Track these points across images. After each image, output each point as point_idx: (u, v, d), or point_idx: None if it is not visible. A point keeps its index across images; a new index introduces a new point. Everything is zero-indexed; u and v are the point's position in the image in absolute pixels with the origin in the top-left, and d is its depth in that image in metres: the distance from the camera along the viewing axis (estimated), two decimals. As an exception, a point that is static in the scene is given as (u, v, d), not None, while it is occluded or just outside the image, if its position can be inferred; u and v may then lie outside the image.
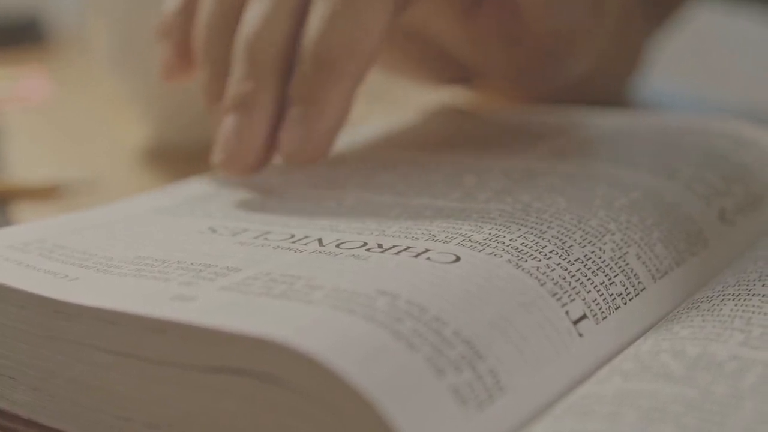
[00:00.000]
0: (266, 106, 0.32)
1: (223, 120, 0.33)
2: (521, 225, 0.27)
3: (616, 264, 0.27)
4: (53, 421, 0.25)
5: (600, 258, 0.27)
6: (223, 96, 0.34)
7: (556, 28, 0.37)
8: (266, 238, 0.28)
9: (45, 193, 0.46)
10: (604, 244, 0.27)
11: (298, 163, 0.32)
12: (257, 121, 0.32)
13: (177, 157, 0.53)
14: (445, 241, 0.26)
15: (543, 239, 0.27)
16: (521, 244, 0.26)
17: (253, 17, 0.32)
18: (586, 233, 0.27)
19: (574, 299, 0.25)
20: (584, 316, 0.25)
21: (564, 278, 0.25)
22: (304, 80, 0.31)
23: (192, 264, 0.26)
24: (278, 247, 0.27)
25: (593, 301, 0.25)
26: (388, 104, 0.33)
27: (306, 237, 0.28)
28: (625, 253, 0.27)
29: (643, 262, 0.27)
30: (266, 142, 0.32)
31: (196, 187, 0.35)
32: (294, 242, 0.27)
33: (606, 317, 0.25)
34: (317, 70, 0.31)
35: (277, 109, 0.32)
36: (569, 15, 0.37)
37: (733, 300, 0.25)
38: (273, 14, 0.32)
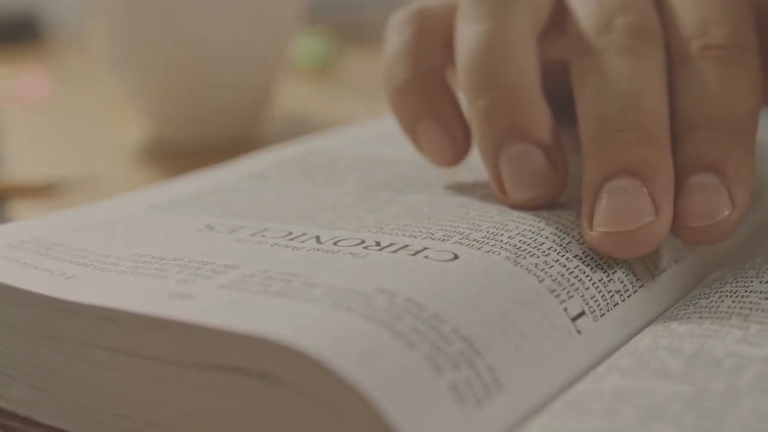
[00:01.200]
0: (672, 174, 0.27)
1: (601, 185, 0.27)
2: (519, 222, 0.27)
3: (614, 261, 0.27)
4: (52, 419, 0.25)
5: (598, 255, 0.27)
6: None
7: None
8: (264, 236, 0.28)
9: (43, 192, 0.46)
10: (603, 241, 0.27)
11: (708, 240, 0.27)
12: (667, 191, 0.27)
13: (175, 156, 0.53)
14: (443, 239, 0.26)
15: (541, 236, 0.27)
16: (519, 241, 0.26)
17: (631, 74, 0.29)
18: (585, 230, 0.27)
19: (572, 296, 0.25)
20: (583, 313, 0.25)
21: (562, 275, 0.25)
22: (710, 146, 0.28)
23: (189, 261, 0.26)
24: (276, 244, 0.27)
25: (592, 298, 0.25)
26: (386, 103, 0.33)
27: (303, 234, 0.28)
28: (623, 250, 0.27)
29: (642, 259, 0.27)
30: (672, 216, 0.27)
31: (193, 184, 0.35)
32: (291, 240, 0.27)
33: (604, 314, 0.25)
34: (725, 136, 0.28)
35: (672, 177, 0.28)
36: None
37: (731, 297, 0.25)
38: (653, 74, 0.29)
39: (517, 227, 0.27)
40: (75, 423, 0.25)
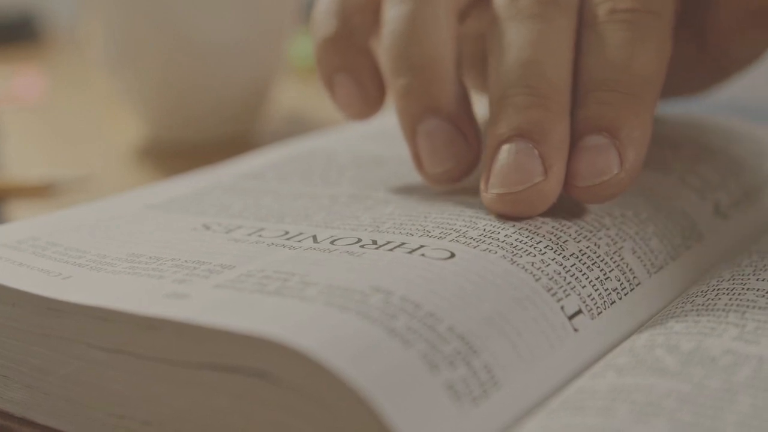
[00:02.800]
0: (567, 135, 0.28)
1: (497, 148, 0.28)
2: (516, 221, 0.27)
3: (611, 259, 0.27)
4: (47, 419, 0.25)
5: (595, 253, 0.27)
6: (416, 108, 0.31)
7: (742, 56, 0.36)
8: (260, 235, 0.28)
9: (39, 192, 0.46)
10: (599, 239, 0.27)
11: (596, 199, 0.28)
12: (564, 151, 0.28)
13: (171, 155, 0.53)
14: (440, 238, 0.26)
15: (538, 235, 0.27)
16: (516, 239, 0.26)
17: (533, 40, 0.30)
18: (581, 228, 0.27)
19: (569, 294, 0.25)
20: (579, 311, 0.25)
21: (559, 273, 0.25)
22: (605, 108, 0.28)
23: (186, 261, 0.26)
24: (272, 244, 0.27)
25: (588, 296, 0.25)
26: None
27: (300, 234, 0.28)
28: (620, 248, 0.27)
29: (639, 257, 0.27)
30: (563, 176, 0.28)
31: (189, 184, 0.35)
32: (288, 239, 0.27)
33: (601, 312, 0.25)
34: (622, 99, 0.29)
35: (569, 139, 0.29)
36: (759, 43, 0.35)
37: (728, 294, 0.25)
38: (555, 38, 0.30)
39: (514, 225, 0.27)
40: (71, 423, 0.25)
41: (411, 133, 0.31)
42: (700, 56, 0.35)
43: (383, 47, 0.32)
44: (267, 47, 0.54)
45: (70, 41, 1.02)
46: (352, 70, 0.33)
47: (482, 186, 0.28)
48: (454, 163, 0.30)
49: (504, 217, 0.28)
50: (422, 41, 0.31)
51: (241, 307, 0.22)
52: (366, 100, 0.33)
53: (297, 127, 0.57)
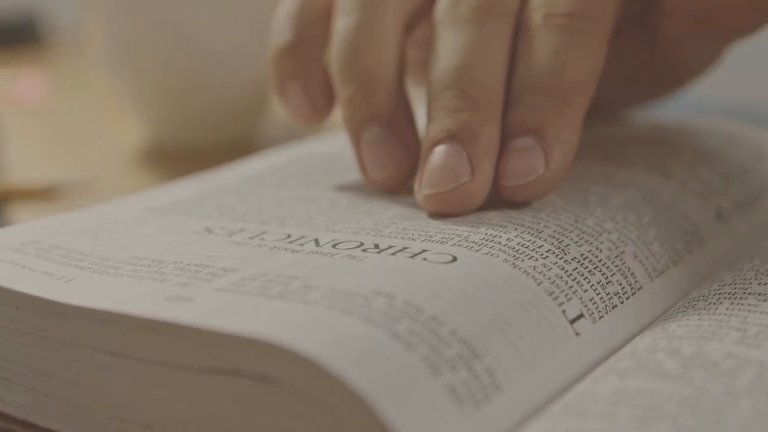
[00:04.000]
0: (497, 137, 0.29)
1: (429, 151, 0.29)
2: (517, 225, 0.27)
3: (612, 263, 0.27)
4: (49, 422, 0.25)
5: (597, 257, 0.27)
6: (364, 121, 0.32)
7: (693, 63, 0.36)
8: (262, 239, 0.28)
9: (42, 194, 0.46)
10: (601, 243, 0.27)
11: (523, 198, 0.29)
12: (492, 153, 0.29)
13: (173, 158, 0.53)
14: (442, 242, 0.26)
15: (539, 239, 0.27)
16: (518, 243, 0.26)
17: (466, 45, 0.30)
18: (583, 232, 0.27)
19: (570, 298, 0.25)
20: (581, 316, 0.25)
21: (561, 277, 0.25)
22: (534, 111, 0.29)
23: (188, 264, 0.26)
24: (275, 247, 0.27)
25: (590, 300, 0.25)
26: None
27: (302, 237, 0.28)
28: (621, 252, 0.27)
29: (640, 261, 0.27)
30: (491, 177, 0.29)
31: (191, 187, 0.35)
32: (290, 243, 0.27)
33: (603, 316, 0.25)
34: (551, 102, 0.29)
35: (499, 143, 0.30)
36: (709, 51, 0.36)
37: (730, 299, 0.25)
38: (489, 43, 0.31)
39: (516, 229, 0.27)
40: (73, 426, 0.25)
41: (355, 140, 0.32)
42: (653, 62, 0.36)
43: (333, 58, 0.33)
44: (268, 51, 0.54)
45: (72, 44, 1.02)
46: (303, 79, 0.34)
47: (416, 186, 0.29)
48: (395, 169, 0.31)
49: (439, 215, 0.29)
50: (367, 52, 0.32)
51: (244, 310, 0.22)
52: (314, 108, 0.35)
53: (298, 131, 0.57)
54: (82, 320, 0.24)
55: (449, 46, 0.31)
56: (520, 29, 0.31)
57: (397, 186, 0.31)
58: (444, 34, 0.31)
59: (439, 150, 0.29)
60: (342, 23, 0.33)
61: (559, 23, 0.30)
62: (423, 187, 0.29)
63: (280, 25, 0.35)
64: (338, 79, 0.33)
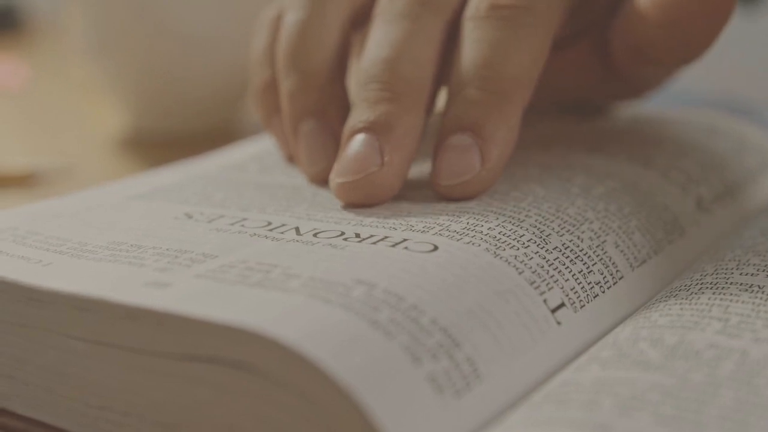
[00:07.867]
0: (415, 130, 0.30)
1: (347, 141, 0.30)
2: (499, 214, 0.27)
3: (594, 252, 0.27)
4: (27, 409, 0.25)
5: (578, 246, 0.27)
6: (299, 111, 0.33)
7: (642, 81, 0.37)
8: (243, 225, 0.28)
9: (20, 181, 0.45)
10: (582, 232, 0.27)
11: (459, 197, 0.29)
12: (406, 145, 0.29)
13: (153, 145, 0.53)
14: (423, 231, 0.26)
15: (521, 228, 0.27)
16: (499, 233, 0.26)
17: (394, 39, 0.30)
18: (564, 222, 0.27)
19: (552, 288, 0.25)
20: (562, 305, 0.25)
21: (542, 267, 0.25)
22: (471, 107, 0.29)
23: (168, 249, 0.26)
24: (255, 234, 0.27)
25: (571, 290, 0.25)
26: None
27: (283, 225, 0.28)
28: (603, 242, 0.27)
29: (622, 251, 0.27)
30: (407, 170, 0.30)
31: (171, 175, 0.35)
32: (271, 230, 0.27)
33: (584, 305, 0.25)
34: (488, 97, 0.29)
35: (420, 135, 0.30)
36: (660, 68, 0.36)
37: (711, 288, 0.25)
38: (418, 37, 0.31)
39: (497, 219, 0.27)
40: (51, 414, 0.25)
41: (293, 132, 0.33)
42: (610, 76, 0.36)
43: (278, 53, 0.34)
44: (249, 37, 0.54)
45: (52, 30, 1.02)
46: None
47: (331, 175, 0.30)
48: (326, 162, 0.31)
49: (350, 205, 0.29)
50: (307, 47, 0.33)
51: (223, 298, 0.22)
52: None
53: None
54: (60, 306, 0.24)
55: (379, 39, 0.31)
56: (462, 22, 0.31)
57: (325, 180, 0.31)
58: (377, 28, 0.31)
59: (354, 140, 0.29)
60: (287, 19, 0.34)
61: (501, 15, 0.30)
62: (334, 175, 0.29)
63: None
64: (280, 74, 0.33)
